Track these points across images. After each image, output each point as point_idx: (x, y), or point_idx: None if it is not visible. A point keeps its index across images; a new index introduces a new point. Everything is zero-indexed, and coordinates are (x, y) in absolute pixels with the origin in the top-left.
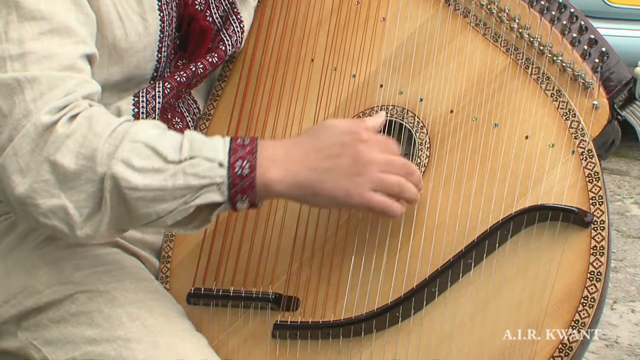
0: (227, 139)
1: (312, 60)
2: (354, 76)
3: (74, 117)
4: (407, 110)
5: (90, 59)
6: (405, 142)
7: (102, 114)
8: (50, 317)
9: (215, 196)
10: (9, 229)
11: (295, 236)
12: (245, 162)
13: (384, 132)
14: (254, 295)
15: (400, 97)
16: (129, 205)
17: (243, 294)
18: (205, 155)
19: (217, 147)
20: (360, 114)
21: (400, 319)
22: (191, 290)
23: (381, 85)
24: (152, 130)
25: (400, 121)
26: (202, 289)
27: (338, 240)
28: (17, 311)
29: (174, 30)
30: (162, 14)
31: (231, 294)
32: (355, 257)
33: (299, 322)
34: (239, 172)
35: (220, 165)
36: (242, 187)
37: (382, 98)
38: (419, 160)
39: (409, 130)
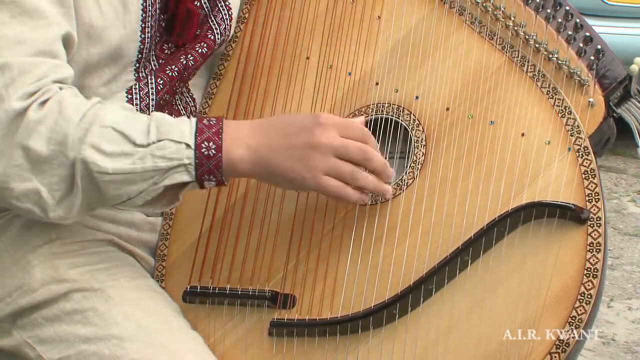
0: (194, 120)
1: (308, 58)
2: (350, 74)
3: (44, 102)
4: (403, 108)
5: (65, 39)
6: (401, 140)
7: (72, 97)
8: (45, 315)
9: (183, 177)
10: (4, 227)
11: (291, 234)
12: (211, 142)
13: (380, 130)
14: (250, 293)
15: (396, 95)
16: (100, 187)
17: (239, 292)
18: (172, 137)
19: (183, 129)
20: (356, 112)
21: (397, 316)
22: (187, 288)
23: (377, 83)
24: (121, 113)
25: (396, 119)
26: (198, 287)
27: (334, 237)
28: (12, 309)
29: (157, 11)
30: None
31: (227, 292)
32: (352, 255)
33: (295, 319)
34: (206, 152)
35: (187, 146)
36: (209, 167)
37: (377, 96)
38: (415, 158)
39: (405, 128)
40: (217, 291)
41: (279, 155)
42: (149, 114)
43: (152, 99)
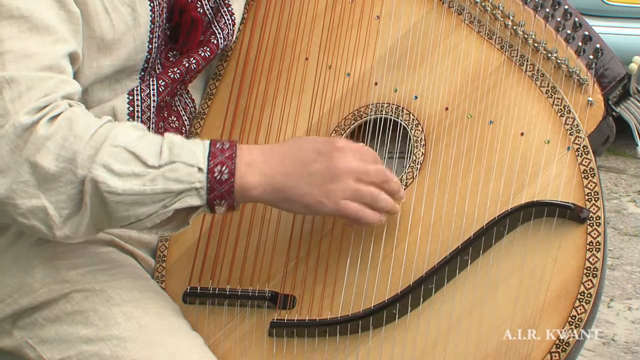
0: (207, 143)
1: (307, 58)
2: (349, 75)
3: (54, 118)
4: (402, 107)
5: (72, 57)
6: (401, 139)
7: (82, 115)
8: (46, 316)
9: (194, 200)
10: (4, 227)
11: (291, 234)
12: (224, 167)
13: (380, 130)
14: (250, 294)
15: (395, 94)
16: (109, 208)
17: (239, 293)
18: (184, 160)
19: (196, 152)
20: (355, 112)
21: (397, 315)
22: (187, 289)
23: (376, 83)
24: (133, 133)
25: (396, 119)
26: (198, 288)
27: (334, 237)
28: (12, 310)
29: (164, 21)
30: (152, 5)
31: (227, 292)
32: (352, 255)
33: (295, 320)
34: (218, 177)
35: (200, 170)
36: (221, 192)
37: (376, 96)
38: (414, 158)
39: (404, 128)
40: (217, 292)
41: (296, 182)
42: (150, 115)
43: (154, 100)
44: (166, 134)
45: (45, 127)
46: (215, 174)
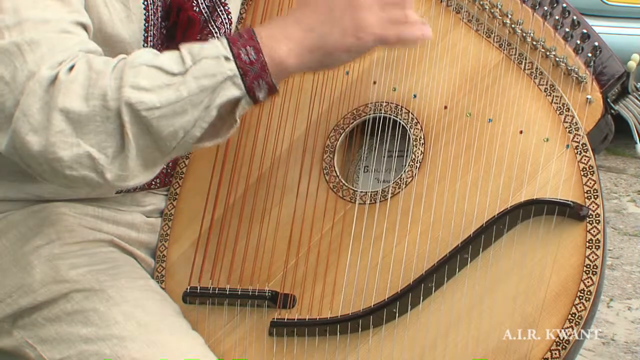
0: (222, 37)
1: None
2: (347, 73)
3: (73, 66)
4: (401, 106)
5: (86, 29)
6: (400, 138)
7: (99, 57)
8: (46, 315)
9: (232, 91)
10: (5, 228)
11: (290, 233)
12: (248, 47)
13: (379, 128)
14: (250, 294)
15: (394, 93)
16: (152, 129)
17: (239, 292)
18: (207, 55)
19: (216, 45)
20: (354, 111)
21: (397, 314)
22: (187, 289)
23: (374, 82)
24: (148, 53)
25: (395, 117)
26: (198, 288)
27: (334, 236)
28: (12, 310)
29: (159, 20)
30: (146, 3)
31: (227, 292)
32: (352, 253)
33: (295, 319)
34: (246, 58)
35: (227, 58)
36: (255, 72)
37: (375, 95)
38: (413, 157)
39: (404, 127)
40: (217, 292)
41: (326, 31)
42: None
43: None
44: (180, 45)
45: (66, 74)
46: (243, 57)
